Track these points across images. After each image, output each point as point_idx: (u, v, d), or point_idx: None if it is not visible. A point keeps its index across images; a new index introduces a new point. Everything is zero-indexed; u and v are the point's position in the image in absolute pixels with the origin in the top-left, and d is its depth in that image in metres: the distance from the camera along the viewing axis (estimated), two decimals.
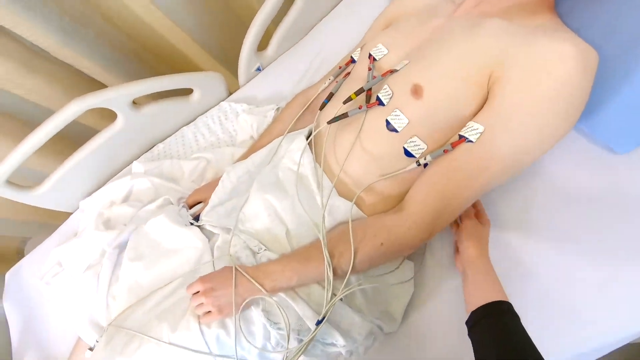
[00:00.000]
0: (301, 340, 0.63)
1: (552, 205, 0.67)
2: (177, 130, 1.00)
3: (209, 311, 0.61)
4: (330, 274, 0.60)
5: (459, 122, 0.58)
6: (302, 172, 0.71)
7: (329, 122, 0.65)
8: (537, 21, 0.57)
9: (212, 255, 0.71)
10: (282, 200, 0.68)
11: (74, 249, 0.83)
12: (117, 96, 0.82)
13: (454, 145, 0.56)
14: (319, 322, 0.59)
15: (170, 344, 0.62)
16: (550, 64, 0.49)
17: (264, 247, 0.68)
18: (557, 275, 0.64)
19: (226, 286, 0.61)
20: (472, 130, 0.55)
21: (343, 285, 0.61)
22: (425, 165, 0.59)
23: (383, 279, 0.67)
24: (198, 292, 0.62)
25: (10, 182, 0.86)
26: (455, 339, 0.63)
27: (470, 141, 0.55)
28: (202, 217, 0.75)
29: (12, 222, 1.17)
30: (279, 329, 0.62)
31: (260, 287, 0.61)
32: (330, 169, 0.69)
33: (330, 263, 0.60)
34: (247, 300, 0.61)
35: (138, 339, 0.65)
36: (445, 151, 0.57)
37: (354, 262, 0.59)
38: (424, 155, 0.60)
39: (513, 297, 0.56)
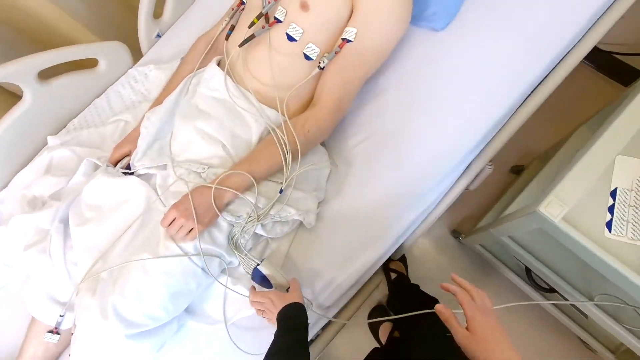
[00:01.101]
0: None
1: (395, 79, 0.90)
2: (90, 104, 1.02)
3: (191, 229, 0.70)
4: (289, 156, 0.75)
5: (340, 27, 0.78)
6: (222, 96, 0.81)
7: (241, 45, 0.79)
8: None
9: (157, 194, 0.76)
10: (209, 121, 0.78)
11: (2, 239, 0.80)
12: (21, 68, 0.82)
13: (340, 47, 0.77)
14: (281, 191, 0.76)
15: (158, 257, 0.69)
16: None
17: (207, 166, 0.78)
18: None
19: (199, 201, 0.71)
20: (350, 33, 0.76)
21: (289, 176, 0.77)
22: (323, 68, 0.78)
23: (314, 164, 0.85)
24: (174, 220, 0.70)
25: None
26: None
27: (350, 41, 0.76)
28: (134, 164, 0.80)
29: None
30: (240, 217, 0.75)
31: (226, 189, 0.72)
32: (250, 86, 0.82)
33: (285, 143, 0.75)
34: (225, 203, 0.73)
35: (125, 271, 0.69)
36: (336, 53, 0.77)
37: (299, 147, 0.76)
38: (320, 57, 0.79)
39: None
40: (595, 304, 0.84)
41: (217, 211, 0.73)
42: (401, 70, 0.88)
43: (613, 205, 0.67)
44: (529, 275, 1.21)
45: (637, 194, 0.67)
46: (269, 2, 0.79)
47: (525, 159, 1.49)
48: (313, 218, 0.82)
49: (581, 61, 1.48)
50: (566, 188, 0.67)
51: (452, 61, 0.84)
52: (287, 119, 0.78)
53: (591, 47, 0.81)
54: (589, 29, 0.83)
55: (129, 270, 0.69)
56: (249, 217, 0.75)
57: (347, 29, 0.77)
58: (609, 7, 0.83)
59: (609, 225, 0.67)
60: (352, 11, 0.77)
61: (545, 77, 0.83)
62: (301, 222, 0.82)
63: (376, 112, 0.88)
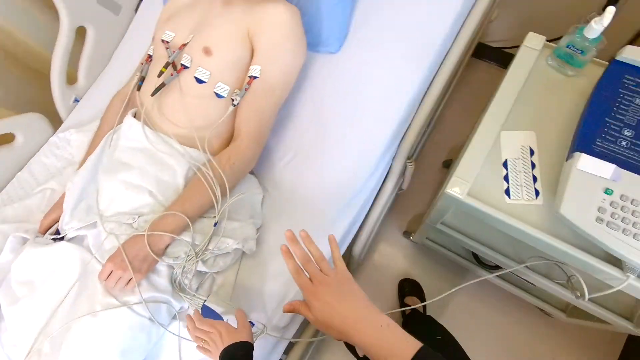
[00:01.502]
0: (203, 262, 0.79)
1: (307, 100, 0.97)
2: (12, 179, 1.00)
3: (130, 280, 0.70)
4: (218, 191, 0.79)
5: (246, 65, 0.85)
6: (142, 145, 0.84)
7: (153, 94, 0.83)
8: None
9: (92, 253, 0.76)
10: (132, 171, 0.80)
11: None
12: None
13: (249, 83, 0.83)
14: (215, 225, 0.78)
15: (98, 311, 0.68)
16: (276, 17, 0.82)
17: (137, 215, 0.79)
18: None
19: (135, 251, 0.72)
20: (255, 70, 0.83)
21: (221, 208, 0.80)
22: (237, 105, 0.84)
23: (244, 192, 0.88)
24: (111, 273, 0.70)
25: None
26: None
27: (257, 77, 0.83)
28: (62, 227, 0.79)
29: None
30: (178, 257, 0.76)
31: (161, 233, 0.74)
32: (169, 131, 0.85)
33: (212, 179, 0.78)
34: (163, 248, 0.75)
35: (68, 336, 0.67)
36: (246, 89, 0.83)
37: (227, 181, 0.79)
38: (231, 93, 0.85)
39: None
40: (527, 267, 0.92)
41: (155, 257, 0.73)
42: (311, 91, 0.96)
43: (507, 174, 0.76)
44: (476, 257, 1.29)
45: (523, 160, 0.77)
46: (174, 52, 0.85)
47: (452, 152, 1.63)
48: (253, 244, 0.84)
49: (482, 59, 1.64)
50: (465, 167, 0.76)
51: (350, 77, 0.93)
52: (211, 156, 0.82)
53: (462, 48, 0.93)
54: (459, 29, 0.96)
55: (72, 335, 0.67)
56: (188, 256, 0.77)
57: (251, 67, 0.84)
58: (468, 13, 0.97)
59: (507, 192, 0.75)
60: (253, 51, 0.85)
61: (434, 77, 0.95)
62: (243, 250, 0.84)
63: (295, 133, 0.94)
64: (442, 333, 0.92)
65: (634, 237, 0.61)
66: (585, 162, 0.65)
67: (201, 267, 0.79)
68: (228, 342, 0.60)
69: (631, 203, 0.62)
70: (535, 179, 0.75)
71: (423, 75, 0.91)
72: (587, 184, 0.64)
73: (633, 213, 0.61)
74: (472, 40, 1.23)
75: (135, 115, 0.89)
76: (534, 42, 0.82)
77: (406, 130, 0.95)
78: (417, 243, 1.54)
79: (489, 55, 1.65)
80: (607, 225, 0.62)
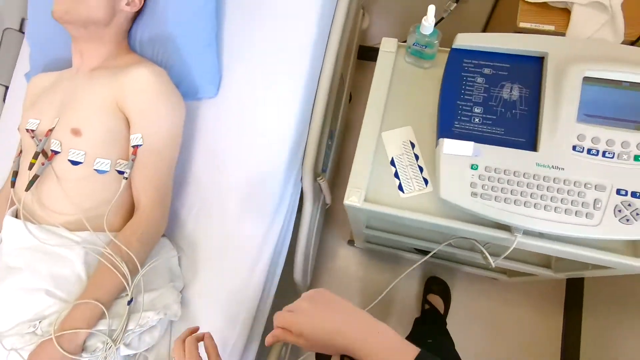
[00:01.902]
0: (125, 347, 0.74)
1: (200, 149, 0.96)
2: None
3: None
4: (125, 269, 0.75)
5: (125, 135, 0.83)
6: (29, 243, 0.78)
7: (27, 189, 0.78)
8: (123, 61, 0.88)
9: None
10: (22, 274, 0.74)
11: None
12: None
13: (134, 153, 0.81)
14: (129, 302, 0.75)
15: None
16: (141, 82, 0.81)
17: (38, 320, 0.73)
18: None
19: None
20: (136, 139, 0.82)
21: (132, 284, 0.76)
22: (127, 177, 0.82)
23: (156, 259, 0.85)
24: None
25: None
26: None
27: (140, 144, 0.81)
28: None
29: None
30: (96, 350, 0.72)
31: (71, 331, 0.69)
32: (56, 221, 0.80)
33: (118, 258, 0.75)
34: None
35: None
36: (133, 160, 0.81)
37: (136, 255, 0.76)
38: (113, 165, 0.83)
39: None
40: (450, 245, 0.98)
41: (72, 357, 0.68)
42: (202, 139, 0.96)
43: (396, 171, 0.81)
44: (416, 249, 1.34)
45: (407, 155, 0.82)
46: (41, 140, 0.81)
47: None
48: (177, 309, 0.81)
49: (372, 61, 1.69)
50: (356, 175, 0.79)
51: (235, 115, 0.94)
52: (114, 233, 0.79)
53: (333, 60, 0.98)
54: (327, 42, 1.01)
55: None
56: (106, 344, 0.72)
57: (132, 136, 0.82)
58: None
59: (400, 188, 0.79)
60: (127, 120, 0.83)
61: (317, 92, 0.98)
62: None
63: (196, 185, 0.93)
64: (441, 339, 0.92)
65: (504, 202, 0.67)
66: (449, 146, 0.70)
67: (126, 351, 0.75)
68: None
69: (495, 172, 0.68)
70: (421, 169, 0.80)
71: (302, 93, 0.93)
72: (455, 165, 0.69)
73: (499, 180, 0.67)
74: (350, 48, 1.29)
75: (17, 214, 0.83)
76: (388, 45, 0.89)
77: (304, 150, 0.98)
78: (362, 249, 1.58)
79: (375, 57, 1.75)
80: (481, 197, 0.67)
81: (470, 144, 0.70)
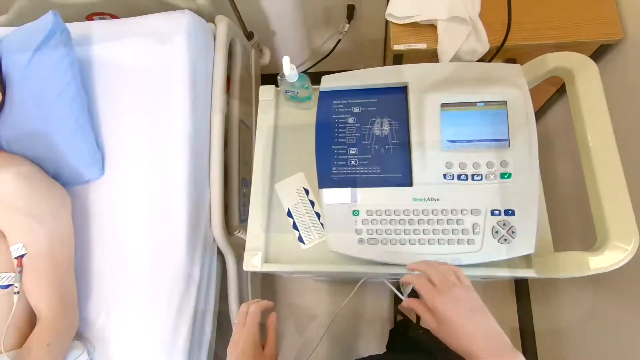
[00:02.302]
0: None
1: (96, 240, 0.90)
2: None
3: None
4: None
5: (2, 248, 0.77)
6: None
7: None
8: None
9: None
10: None
11: None
12: None
13: (20, 265, 0.76)
14: None
15: None
16: (7, 190, 0.76)
17: None
18: None
19: None
20: (18, 250, 0.76)
21: None
22: (17, 292, 0.75)
23: None
24: None
25: None
26: None
27: (24, 254, 0.76)
28: None
29: None
30: None
31: None
32: None
33: None
34: None
35: None
36: (20, 272, 0.75)
37: None
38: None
39: None
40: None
41: None
42: (98, 224, 0.89)
43: (294, 222, 0.79)
44: None
45: (303, 203, 0.80)
46: None
47: None
48: None
49: None
50: (253, 237, 0.76)
51: (127, 190, 0.89)
52: (12, 354, 0.72)
53: (221, 113, 0.96)
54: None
55: None
56: None
57: (11, 248, 0.76)
58: None
59: (300, 239, 0.77)
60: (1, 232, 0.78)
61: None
62: None
63: (98, 277, 0.87)
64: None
65: (390, 243, 0.66)
66: (329, 196, 0.69)
67: None
68: None
69: (376, 214, 0.67)
70: (318, 215, 0.79)
71: (188, 156, 0.89)
72: (338, 214, 0.68)
73: (381, 222, 0.67)
74: (248, 93, 1.27)
75: None
76: (266, 94, 0.87)
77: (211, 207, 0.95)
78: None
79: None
80: (368, 243, 0.66)
81: (348, 190, 0.69)
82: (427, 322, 0.49)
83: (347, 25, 1.35)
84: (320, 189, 0.71)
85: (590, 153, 0.63)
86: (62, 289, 0.79)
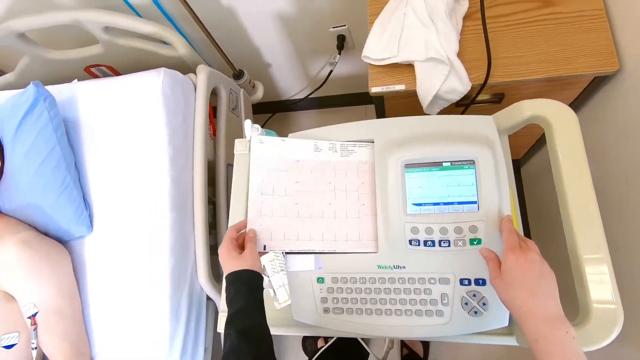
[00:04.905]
0: None
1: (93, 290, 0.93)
2: None
3: None
4: None
5: (11, 307, 0.83)
6: None
7: None
8: None
9: None
10: None
11: None
12: None
13: (34, 323, 0.81)
14: None
15: None
16: (9, 258, 0.81)
17: None
18: None
19: None
20: (29, 310, 0.81)
21: None
22: (35, 347, 0.81)
23: None
24: None
25: None
26: None
27: (37, 312, 0.81)
28: None
29: None
30: None
31: None
32: None
33: None
34: None
35: None
36: (35, 329, 0.81)
37: None
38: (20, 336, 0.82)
39: None
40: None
41: None
42: (94, 277, 0.93)
43: (269, 279, 0.77)
44: None
45: (278, 259, 0.78)
46: None
47: None
48: None
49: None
50: None
51: (117, 244, 0.92)
52: None
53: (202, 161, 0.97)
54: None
55: None
56: None
57: (22, 309, 0.82)
58: None
59: (275, 297, 0.76)
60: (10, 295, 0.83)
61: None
62: None
63: (101, 325, 0.90)
64: None
65: (356, 313, 0.63)
66: (292, 262, 0.67)
67: None
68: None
69: (340, 282, 0.64)
70: None
71: (172, 201, 0.91)
72: (303, 282, 0.66)
73: (345, 290, 0.64)
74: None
75: None
76: (240, 147, 0.87)
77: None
78: None
79: (290, 107, 1.75)
80: (333, 312, 0.64)
81: (312, 257, 0.67)
82: (490, 270, 0.53)
83: (338, 55, 1.33)
84: (284, 255, 0.69)
85: (570, 213, 0.58)
86: (74, 338, 0.85)
